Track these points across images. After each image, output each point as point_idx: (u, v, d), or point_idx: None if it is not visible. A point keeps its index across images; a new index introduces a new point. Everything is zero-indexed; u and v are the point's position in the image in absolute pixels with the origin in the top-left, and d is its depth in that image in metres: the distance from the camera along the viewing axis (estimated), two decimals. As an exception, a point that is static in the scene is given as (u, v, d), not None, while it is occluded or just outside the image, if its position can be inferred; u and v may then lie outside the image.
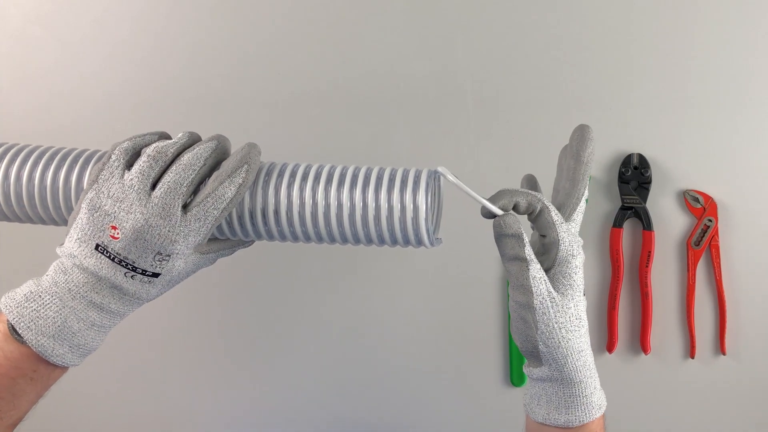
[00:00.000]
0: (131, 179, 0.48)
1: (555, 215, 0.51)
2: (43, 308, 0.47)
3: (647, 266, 0.74)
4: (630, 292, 0.76)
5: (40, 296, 0.48)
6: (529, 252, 0.50)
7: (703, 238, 0.73)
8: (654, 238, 0.74)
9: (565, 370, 0.51)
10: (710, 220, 0.73)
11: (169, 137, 0.52)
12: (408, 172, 0.50)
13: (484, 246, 0.75)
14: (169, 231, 0.48)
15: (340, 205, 0.50)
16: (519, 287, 0.50)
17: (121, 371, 0.84)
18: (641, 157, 0.74)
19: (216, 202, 0.48)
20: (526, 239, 0.50)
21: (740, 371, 0.75)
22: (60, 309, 0.48)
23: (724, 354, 0.74)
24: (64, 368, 0.49)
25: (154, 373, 0.83)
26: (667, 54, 0.74)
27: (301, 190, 0.51)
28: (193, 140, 0.51)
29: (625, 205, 0.74)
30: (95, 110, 0.80)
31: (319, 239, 0.52)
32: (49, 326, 0.47)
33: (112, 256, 0.48)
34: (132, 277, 0.49)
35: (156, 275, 0.49)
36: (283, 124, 0.78)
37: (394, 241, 0.51)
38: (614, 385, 0.77)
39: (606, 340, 0.76)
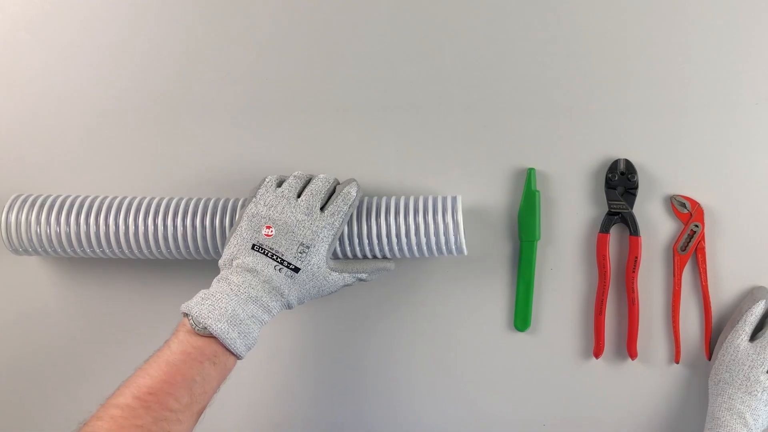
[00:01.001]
0: (282, 190, 0.67)
1: None
2: (217, 302, 0.62)
3: (634, 271, 0.74)
4: (617, 297, 0.76)
5: (212, 296, 0.62)
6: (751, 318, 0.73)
7: (689, 244, 0.73)
8: (641, 244, 0.74)
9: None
10: (697, 226, 0.73)
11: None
12: (445, 199, 0.71)
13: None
14: (311, 224, 0.65)
15: (405, 229, 0.70)
16: None
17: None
18: (628, 163, 0.74)
19: (345, 199, 0.67)
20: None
21: (725, 377, 0.75)
22: (228, 301, 0.62)
23: (708, 359, 0.74)
24: (235, 358, 0.62)
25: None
26: (655, 60, 0.74)
27: (377, 219, 0.70)
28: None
29: (612, 210, 0.74)
30: (83, 115, 0.80)
31: (392, 254, 0.71)
32: (223, 314, 0.61)
33: (265, 251, 0.65)
34: (279, 270, 0.64)
35: (297, 270, 0.65)
36: (269, 129, 0.78)
37: (440, 251, 0.70)
38: (601, 389, 0.78)
39: (593, 345, 0.76)
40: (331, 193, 0.68)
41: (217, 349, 0.61)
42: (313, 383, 0.81)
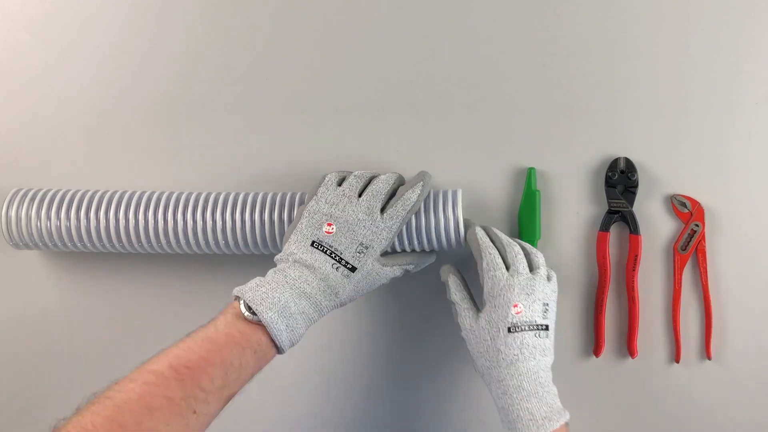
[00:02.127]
0: (343, 189, 0.67)
1: (486, 263, 0.67)
2: (271, 291, 0.61)
3: (634, 270, 0.74)
4: (617, 295, 0.76)
5: (267, 283, 0.62)
6: (453, 297, 0.69)
7: (689, 243, 0.74)
8: (641, 243, 0.74)
9: (493, 395, 0.66)
10: (697, 225, 0.73)
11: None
12: (446, 192, 0.71)
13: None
14: (371, 224, 0.66)
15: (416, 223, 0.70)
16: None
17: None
18: (628, 161, 0.74)
19: (404, 204, 0.67)
20: (453, 286, 0.69)
21: (725, 376, 0.75)
22: (283, 292, 0.62)
23: (709, 359, 0.75)
24: (276, 350, 0.62)
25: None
26: (655, 60, 0.74)
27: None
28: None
29: (612, 209, 0.74)
30: (83, 115, 0.80)
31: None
32: (275, 303, 0.61)
33: (324, 248, 0.65)
34: (337, 268, 0.64)
35: (353, 269, 0.65)
36: (270, 129, 0.78)
37: (440, 244, 0.70)
38: (601, 388, 0.78)
39: (593, 344, 0.76)
40: (393, 194, 0.68)
41: (261, 338, 0.60)
42: (317, 380, 0.81)
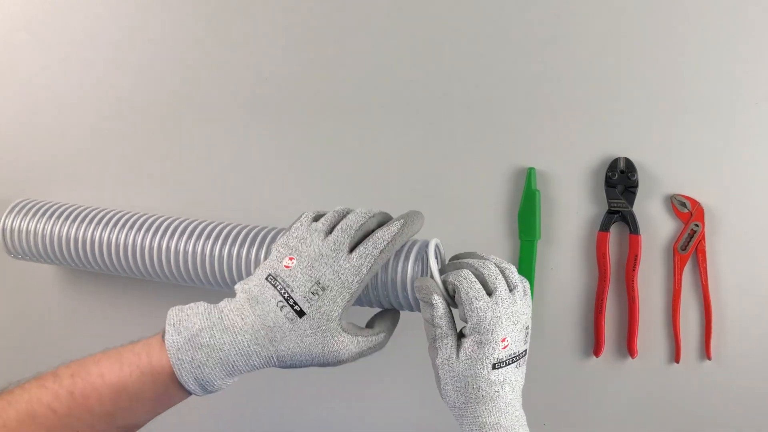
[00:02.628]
0: (317, 225, 0.58)
1: (465, 294, 0.56)
2: (193, 315, 0.54)
3: (634, 270, 0.74)
4: (617, 295, 0.76)
5: (198, 306, 0.55)
6: (438, 321, 0.57)
7: (689, 243, 0.73)
8: (641, 242, 0.74)
9: (464, 428, 0.57)
10: (697, 225, 0.73)
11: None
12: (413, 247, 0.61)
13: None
14: (334, 261, 0.55)
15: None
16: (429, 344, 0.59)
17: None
18: (628, 161, 0.74)
19: (375, 242, 0.56)
20: (441, 309, 0.57)
21: (725, 376, 0.75)
22: (203, 319, 0.53)
23: (709, 359, 0.75)
24: (183, 391, 0.53)
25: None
26: (655, 58, 0.74)
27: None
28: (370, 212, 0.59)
29: (612, 209, 0.74)
30: (81, 115, 0.80)
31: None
32: (186, 329, 0.53)
33: (276, 283, 0.55)
34: (282, 307, 0.54)
35: (300, 315, 0.54)
36: (270, 129, 0.78)
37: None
38: (601, 388, 0.78)
39: (593, 344, 0.76)
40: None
41: (165, 369, 0.52)
42: (313, 381, 0.81)
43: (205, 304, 0.55)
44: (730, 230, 0.74)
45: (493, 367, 0.56)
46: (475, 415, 0.57)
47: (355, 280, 0.55)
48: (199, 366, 0.52)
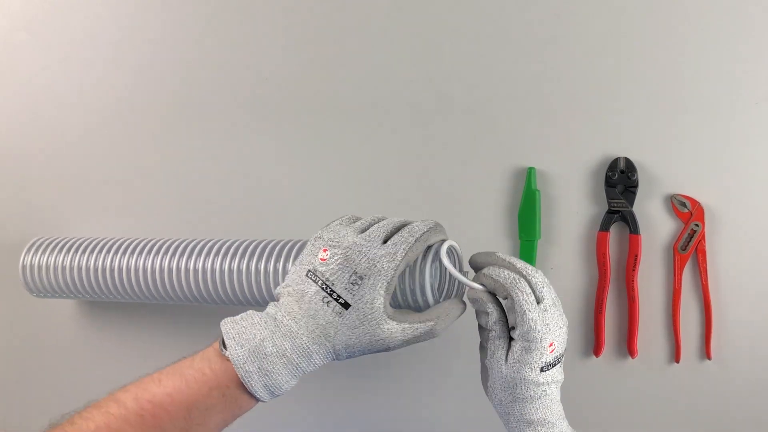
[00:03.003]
0: (353, 224, 0.58)
1: (519, 306, 0.57)
2: (250, 326, 0.55)
3: (634, 270, 0.74)
4: (617, 295, 0.76)
5: (251, 317, 0.56)
6: (492, 326, 0.59)
7: (689, 243, 0.73)
8: (641, 242, 0.74)
9: (510, 426, 0.61)
10: (697, 225, 0.73)
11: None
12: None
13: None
14: (368, 249, 0.55)
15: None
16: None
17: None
18: (628, 161, 0.74)
19: (409, 233, 0.56)
20: (492, 317, 0.58)
21: (725, 376, 0.75)
22: (261, 330, 0.54)
23: (709, 358, 0.74)
24: (251, 399, 0.55)
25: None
26: (655, 60, 0.74)
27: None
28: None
29: (612, 209, 0.74)
30: (81, 114, 0.80)
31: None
32: (248, 341, 0.54)
33: (317, 278, 0.56)
34: (328, 302, 0.55)
35: (346, 306, 0.54)
36: (271, 130, 0.78)
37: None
38: (601, 388, 0.78)
39: (593, 344, 0.76)
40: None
41: (231, 380, 0.54)
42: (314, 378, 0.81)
43: (257, 314, 0.56)
44: (730, 230, 0.74)
45: (541, 370, 0.59)
46: (522, 413, 0.59)
47: (391, 266, 0.55)
48: (267, 374, 0.54)
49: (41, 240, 0.77)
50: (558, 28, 0.75)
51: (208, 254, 0.72)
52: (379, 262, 0.55)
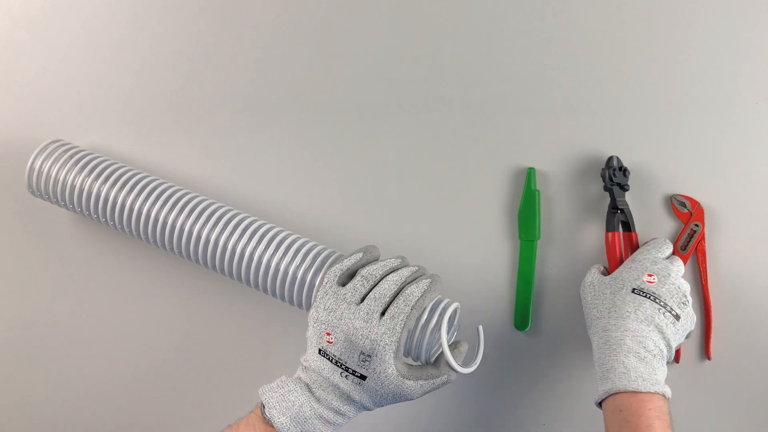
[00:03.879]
0: (344, 294, 0.61)
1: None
2: (288, 393, 0.60)
3: (634, 270, 0.74)
4: (617, 296, 0.76)
5: (286, 385, 0.61)
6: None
7: (689, 243, 0.73)
8: (637, 240, 0.74)
9: (594, 348, 0.66)
10: (697, 225, 0.73)
11: (373, 252, 0.64)
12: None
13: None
14: (368, 332, 0.59)
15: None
16: None
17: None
18: (618, 159, 0.73)
19: (406, 300, 0.60)
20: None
21: (725, 376, 0.75)
22: (298, 396, 0.60)
23: (709, 359, 0.74)
24: None
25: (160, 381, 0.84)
26: (655, 59, 0.74)
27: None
28: (400, 264, 0.64)
29: (613, 207, 0.73)
30: (83, 116, 0.80)
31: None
32: (288, 408, 0.59)
33: (330, 358, 0.60)
34: (346, 377, 0.60)
35: (363, 378, 0.59)
36: (270, 129, 0.78)
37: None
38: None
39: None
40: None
41: None
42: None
43: (291, 381, 0.61)
44: (730, 230, 0.74)
45: (632, 291, 0.65)
46: (605, 328, 0.64)
47: (393, 339, 0.59)
48: None
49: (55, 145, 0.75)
50: (557, 28, 0.75)
51: (224, 228, 0.70)
52: (381, 340, 0.59)
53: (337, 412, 0.60)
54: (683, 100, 0.74)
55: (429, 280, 0.61)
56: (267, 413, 0.59)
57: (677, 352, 0.75)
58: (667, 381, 0.75)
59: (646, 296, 0.65)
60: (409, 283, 0.62)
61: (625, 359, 0.62)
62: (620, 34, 0.74)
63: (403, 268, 0.63)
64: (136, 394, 0.84)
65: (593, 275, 0.70)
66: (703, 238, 0.73)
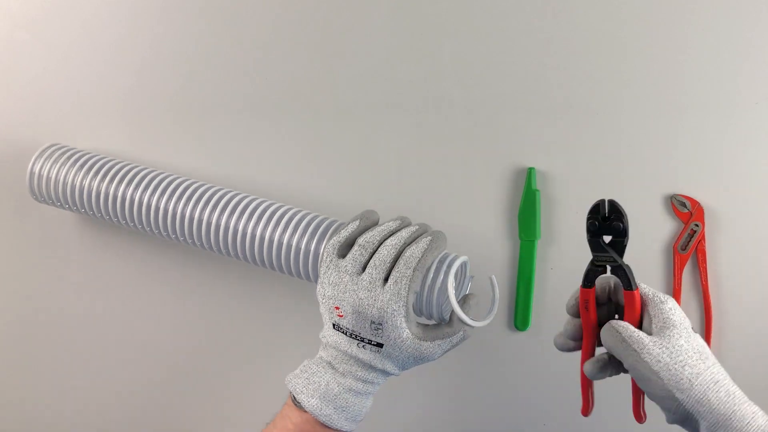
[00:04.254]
0: (345, 266, 0.60)
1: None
2: (312, 375, 0.60)
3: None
4: (617, 296, 0.76)
5: (309, 368, 0.61)
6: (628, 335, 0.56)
7: (689, 243, 0.73)
8: (638, 299, 0.59)
9: (713, 403, 0.53)
10: (697, 225, 0.73)
11: (371, 217, 0.63)
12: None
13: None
14: (374, 300, 0.58)
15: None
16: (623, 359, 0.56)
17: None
18: (612, 205, 0.59)
19: (406, 263, 0.58)
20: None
21: (725, 376, 0.75)
22: (323, 375, 0.60)
23: (709, 359, 0.74)
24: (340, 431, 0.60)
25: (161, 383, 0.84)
26: (655, 59, 0.74)
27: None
28: (399, 226, 0.62)
29: (597, 263, 0.59)
30: (83, 116, 0.80)
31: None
32: (316, 389, 0.59)
33: (345, 330, 0.60)
34: (363, 347, 0.59)
35: (380, 345, 0.59)
36: (270, 129, 0.78)
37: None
38: (601, 387, 0.78)
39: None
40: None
41: (316, 427, 0.59)
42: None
43: (313, 362, 0.61)
44: (730, 230, 0.74)
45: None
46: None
47: (400, 305, 0.58)
48: (343, 409, 0.59)
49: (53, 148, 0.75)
50: (557, 28, 0.75)
51: (233, 212, 0.70)
52: (388, 307, 0.58)
53: (364, 381, 0.60)
54: (683, 100, 0.74)
55: (429, 238, 0.60)
56: (297, 399, 0.60)
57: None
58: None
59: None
60: (409, 244, 0.60)
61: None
62: (620, 34, 0.74)
63: (402, 230, 0.61)
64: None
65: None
66: (703, 238, 0.73)
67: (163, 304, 0.82)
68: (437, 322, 0.63)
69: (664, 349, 0.54)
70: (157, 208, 0.71)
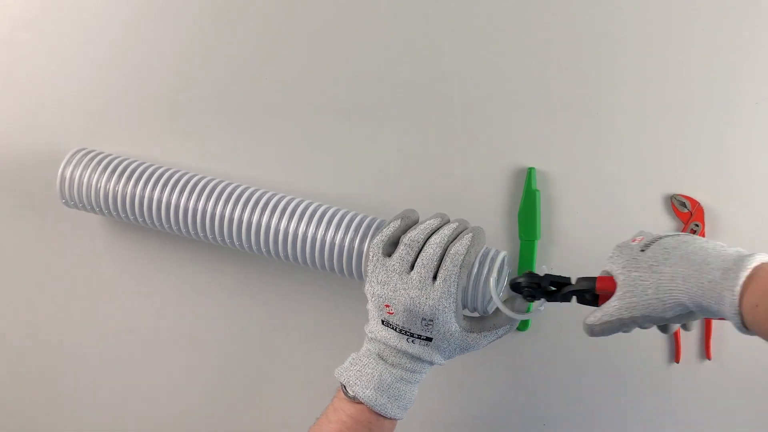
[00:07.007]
0: (393, 265, 0.61)
1: None
2: (364, 367, 0.62)
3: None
4: (617, 296, 0.76)
5: (359, 360, 0.63)
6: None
7: (689, 243, 0.73)
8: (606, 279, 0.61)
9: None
10: (697, 225, 0.73)
11: (412, 216, 0.64)
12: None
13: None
14: (426, 298, 0.60)
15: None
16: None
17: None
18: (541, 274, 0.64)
19: (453, 260, 0.60)
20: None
21: (725, 376, 0.75)
22: (374, 367, 0.61)
23: (709, 359, 0.74)
24: (393, 421, 0.62)
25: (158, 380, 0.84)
26: (655, 59, 0.74)
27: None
28: (440, 223, 0.64)
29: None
30: (83, 116, 0.80)
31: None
32: (370, 380, 0.61)
33: (394, 327, 0.62)
34: (412, 341, 0.62)
35: (429, 339, 0.62)
36: (270, 129, 0.78)
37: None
38: (602, 388, 0.78)
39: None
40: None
41: (370, 416, 0.61)
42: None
43: (363, 356, 0.63)
44: (730, 229, 0.74)
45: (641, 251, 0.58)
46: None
47: (450, 300, 0.61)
48: (397, 398, 0.61)
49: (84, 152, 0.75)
50: (558, 28, 0.75)
51: (263, 209, 0.70)
52: (440, 304, 0.60)
53: (412, 371, 0.62)
54: (683, 100, 0.74)
55: (471, 234, 0.62)
56: (350, 391, 0.61)
57: (677, 352, 0.75)
58: (667, 381, 0.76)
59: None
60: (452, 241, 0.62)
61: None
62: (620, 34, 0.74)
63: (444, 227, 0.63)
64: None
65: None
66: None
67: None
68: (480, 314, 0.65)
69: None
70: (195, 210, 0.71)
